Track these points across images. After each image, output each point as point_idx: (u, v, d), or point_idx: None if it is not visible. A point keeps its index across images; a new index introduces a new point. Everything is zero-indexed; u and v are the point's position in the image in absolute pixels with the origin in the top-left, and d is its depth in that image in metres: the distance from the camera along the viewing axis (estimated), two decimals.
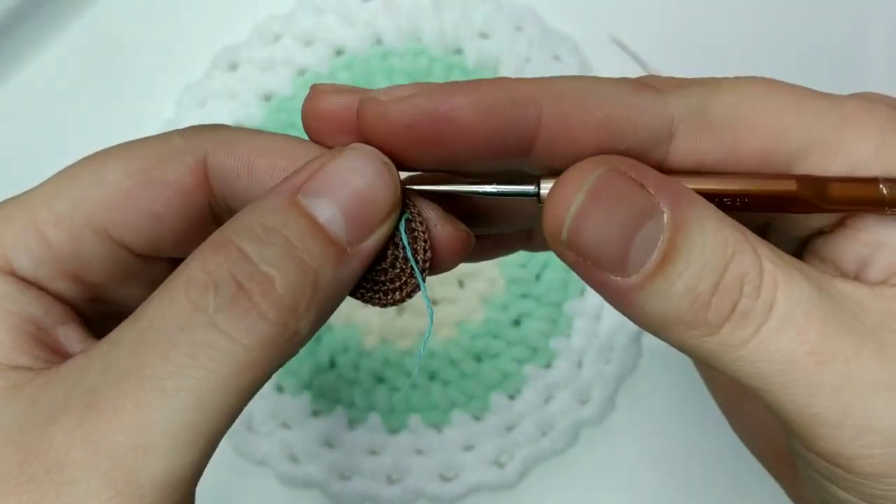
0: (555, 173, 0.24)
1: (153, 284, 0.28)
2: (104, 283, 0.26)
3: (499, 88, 0.23)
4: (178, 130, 0.26)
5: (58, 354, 0.24)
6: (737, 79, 0.24)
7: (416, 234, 0.24)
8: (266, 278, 0.21)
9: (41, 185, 0.25)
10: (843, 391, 0.22)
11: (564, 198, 0.22)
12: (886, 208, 0.23)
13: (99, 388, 0.21)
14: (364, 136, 0.23)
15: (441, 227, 0.25)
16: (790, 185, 0.23)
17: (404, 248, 0.24)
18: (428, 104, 0.22)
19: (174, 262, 0.28)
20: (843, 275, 0.25)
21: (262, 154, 0.25)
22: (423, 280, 0.24)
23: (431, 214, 0.25)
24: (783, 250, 0.23)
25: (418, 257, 0.24)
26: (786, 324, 0.22)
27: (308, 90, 0.25)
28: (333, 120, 0.24)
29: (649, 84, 0.24)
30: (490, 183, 0.24)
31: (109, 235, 0.25)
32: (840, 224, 0.25)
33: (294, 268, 0.22)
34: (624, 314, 0.23)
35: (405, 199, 0.24)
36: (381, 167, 0.23)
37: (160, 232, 0.26)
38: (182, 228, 0.26)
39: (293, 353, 0.22)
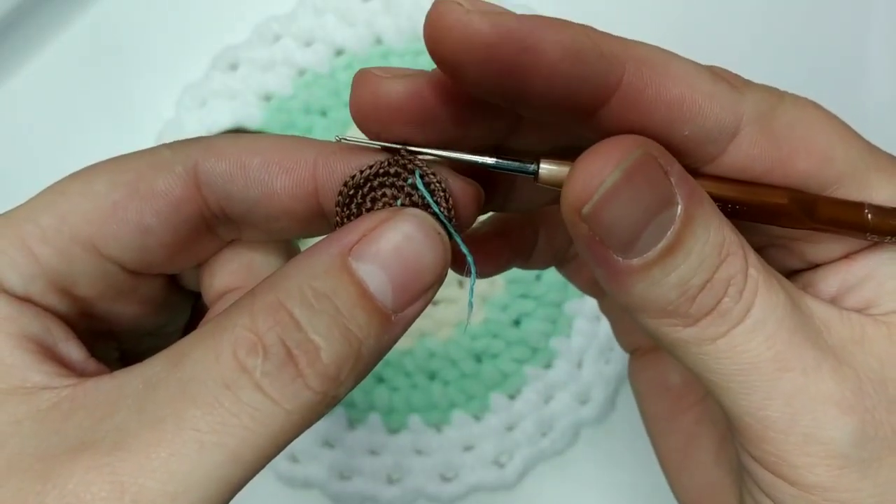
0: (554, 155, 0.24)
1: (145, 303, 0.28)
2: (95, 299, 0.26)
3: (588, 36, 0.21)
4: (165, 144, 0.26)
5: (68, 368, 0.24)
6: (796, 96, 0.24)
7: (432, 186, 0.24)
8: (313, 347, 0.22)
9: (28, 201, 0.25)
10: (795, 399, 0.22)
11: (598, 172, 0.22)
12: (868, 234, 0.24)
13: (131, 428, 0.21)
14: (434, 42, 0.21)
15: (452, 181, 0.25)
16: (781, 198, 0.24)
17: (424, 198, 0.24)
18: (518, 28, 0.20)
19: (166, 280, 0.28)
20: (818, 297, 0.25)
21: (253, 153, 0.25)
22: (455, 229, 0.25)
23: (440, 171, 0.25)
24: None
25: (441, 207, 0.24)
26: (758, 328, 0.23)
27: (355, 77, 0.23)
28: (397, 110, 0.23)
29: (723, 76, 0.24)
30: (490, 155, 0.24)
31: (98, 250, 0.25)
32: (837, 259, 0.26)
33: (340, 337, 0.22)
34: (609, 290, 0.24)
35: (411, 160, 0.25)
36: (434, 238, 0.23)
37: (150, 245, 0.25)
38: (173, 242, 0.26)
39: (327, 412, 0.23)
